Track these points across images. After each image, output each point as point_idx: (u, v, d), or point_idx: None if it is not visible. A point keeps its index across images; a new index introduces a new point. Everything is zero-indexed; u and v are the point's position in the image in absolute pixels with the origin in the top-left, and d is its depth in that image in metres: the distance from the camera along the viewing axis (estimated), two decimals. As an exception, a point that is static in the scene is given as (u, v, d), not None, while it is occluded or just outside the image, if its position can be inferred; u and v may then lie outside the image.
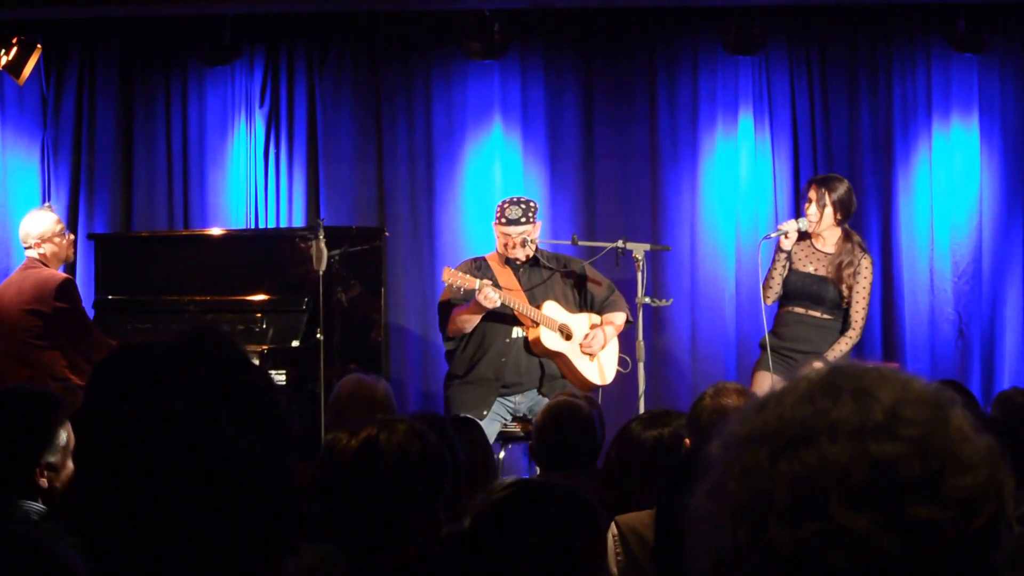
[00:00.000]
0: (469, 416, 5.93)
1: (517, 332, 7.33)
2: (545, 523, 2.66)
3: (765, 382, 7.08)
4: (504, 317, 7.26)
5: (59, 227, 7.36)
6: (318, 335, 7.67)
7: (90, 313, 7.86)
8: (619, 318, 7.57)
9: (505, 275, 7.41)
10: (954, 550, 1.19)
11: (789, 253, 7.34)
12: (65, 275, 7.37)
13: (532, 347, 7.32)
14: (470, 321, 7.26)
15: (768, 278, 7.41)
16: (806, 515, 1.21)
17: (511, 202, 7.47)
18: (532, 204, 7.48)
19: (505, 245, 7.39)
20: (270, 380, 1.62)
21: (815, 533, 1.20)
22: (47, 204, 8.06)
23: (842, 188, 7.28)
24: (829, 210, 7.23)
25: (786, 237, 7.31)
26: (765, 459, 1.25)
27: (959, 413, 1.26)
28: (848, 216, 7.31)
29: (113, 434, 1.51)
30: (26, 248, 7.28)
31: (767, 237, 7.49)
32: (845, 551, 1.20)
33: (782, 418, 1.26)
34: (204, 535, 1.49)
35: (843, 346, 7.22)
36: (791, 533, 1.21)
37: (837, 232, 7.31)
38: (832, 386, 1.27)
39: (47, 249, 7.25)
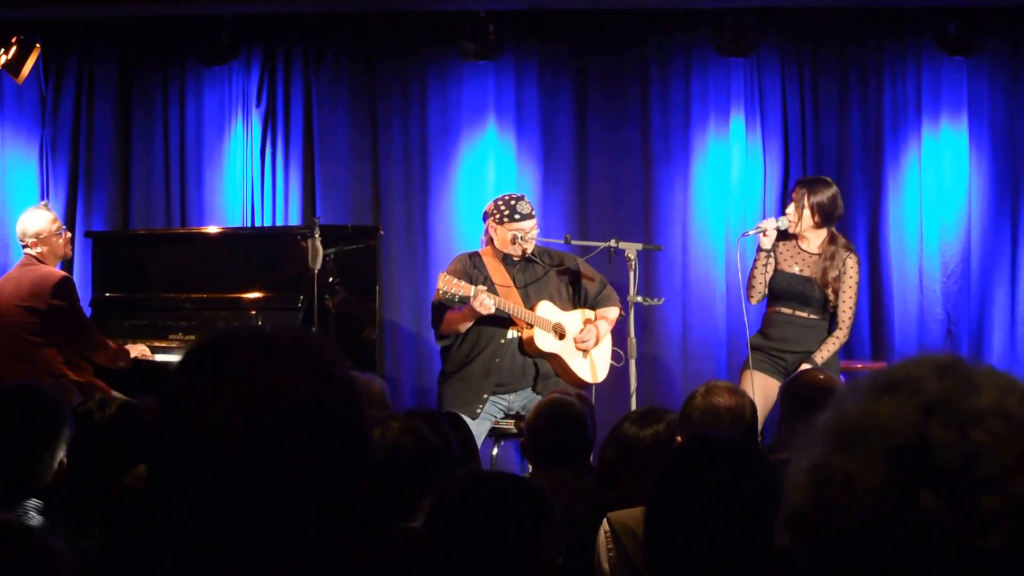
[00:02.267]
0: (456, 412, 5.96)
1: (512, 333, 7.36)
2: (493, 512, 2.76)
3: (750, 381, 7.12)
4: (499, 319, 7.28)
5: (55, 225, 7.39)
6: (322, 336, 7.70)
7: (88, 311, 7.90)
8: (612, 313, 7.60)
9: (499, 272, 7.44)
10: (953, 545, 1.22)
11: (771, 252, 7.36)
12: (63, 273, 7.39)
13: (526, 348, 7.34)
14: (464, 324, 7.30)
15: (750, 277, 7.42)
16: (843, 448, 1.28)
17: (515, 198, 7.46)
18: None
19: (515, 241, 7.39)
20: (362, 399, 1.58)
21: (840, 467, 1.27)
22: (43, 202, 8.07)
23: (825, 193, 7.26)
24: (807, 212, 7.25)
25: (764, 235, 7.32)
26: (851, 395, 1.32)
27: None
28: (829, 221, 7.29)
29: (198, 432, 1.49)
30: (23, 246, 7.31)
31: (745, 234, 7.51)
32: (834, 486, 1.26)
33: (902, 368, 1.33)
34: (272, 545, 1.49)
35: (831, 346, 7.23)
36: (829, 459, 1.28)
37: (822, 233, 7.31)
38: (956, 369, 1.31)
39: (44, 247, 7.27)
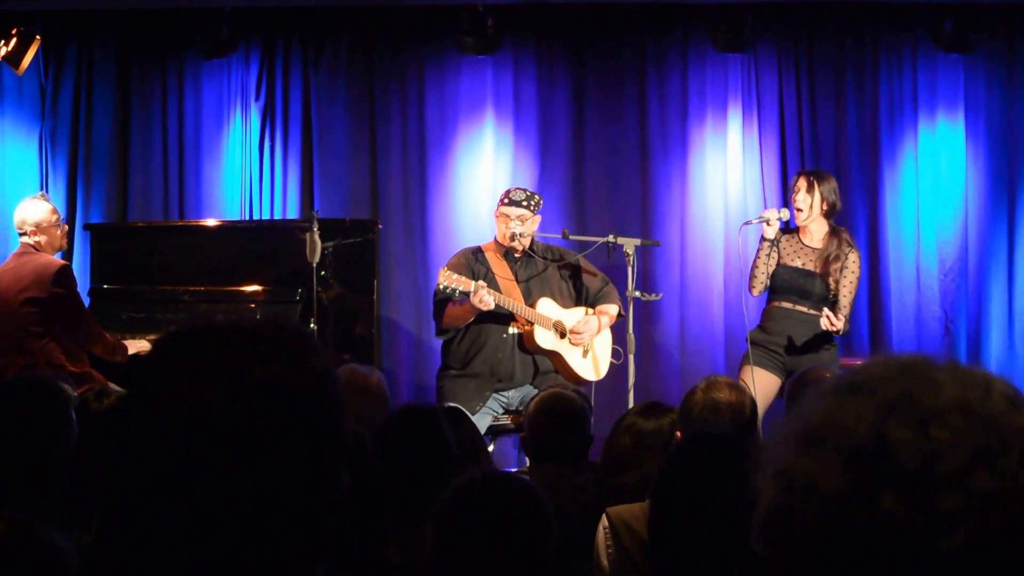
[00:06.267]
0: (458, 406, 5.96)
1: (513, 329, 7.36)
2: (496, 512, 2.78)
3: (750, 376, 7.13)
4: (500, 314, 7.29)
5: (55, 216, 7.37)
6: (311, 326, 7.71)
7: (86, 302, 7.88)
8: (611, 309, 7.60)
9: (501, 266, 7.45)
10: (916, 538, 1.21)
11: (773, 243, 7.37)
12: (62, 261, 7.35)
13: (526, 344, 7.36)
14: (465, 319, 7.31)
15: (753, 267, 7.44)
16: (805, 451, 1.27)
17: (518, 188, 7.57)
18: (537, 197, 7.53)
19: (504, 232, 7.41)
20: (337, 389, 1.54)
21: (803, 470, 1.26)
22: (41, 192, 8.06)
23: (831, 183, 7.32)
24: (818, 198, 7.25)
25: (768, 224, 7.34)
26: (816, 398, 1.32)
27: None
28: (834, 212, 7.32)
29: (162, 423, 1.45)
30: (21, 235, 7.28)
31: (748, 223, 7.54)
32: (797, 490, 1.25)
33: (864, 370, 1.33)
34: (237, 540, 1.45)
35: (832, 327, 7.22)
36: (793, 462, 1.27)
37: (824, 228, 7.34)
38: (919, 367, 1.30)
39: (43, 237, 7.25)
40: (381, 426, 3.93)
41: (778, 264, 7.37)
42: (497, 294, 7.17)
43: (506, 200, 7.44)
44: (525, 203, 7.41)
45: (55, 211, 7.42)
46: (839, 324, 7.00)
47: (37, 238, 7.23)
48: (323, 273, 8.00)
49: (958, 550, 1.20)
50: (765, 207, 8.81)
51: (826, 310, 7.05)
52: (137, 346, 7.51)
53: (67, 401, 3.73)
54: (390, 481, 3.34)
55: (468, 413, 6.99)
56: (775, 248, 7.37)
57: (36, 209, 7.32)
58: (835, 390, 1.31)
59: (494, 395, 7.36)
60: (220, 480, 1.44)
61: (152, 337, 7.74)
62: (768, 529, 1.30)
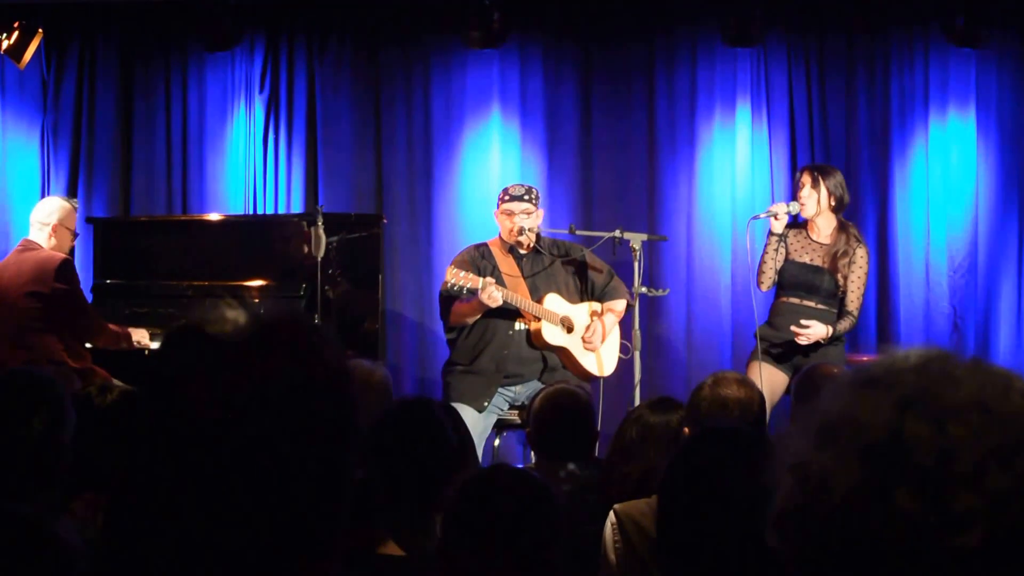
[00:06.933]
0: (452, 406, 5.93)
1: (520, 325, 7.35)
2: (506, 507, 2.76)
3: (758, 372, 7.10)
4: (507, 310, 7.27)
5: (74, 223, 7.41)
6: (316, 321, 7.68)
7: (88, 297, 7.86)
8: (619, 305, 7.59)
9: (507, 263, 7.44)
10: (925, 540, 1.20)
11: (781, 237, 7.34)
12: (64, 255, 7.34)
13: (534, 340, 7.34)
14: (472, 316, 7.29)
15: (761, 263, 7.42)
16: (821, 445, 1.25)
17: (515, 184, 7.57)
18: (535, 190, 7.52)
19: (510, 228, 7.40)
20: (350, 385, 1.52)
21: (818, 465, 1.25)
22: (74, 200, 8.03)
23: (836, 177, 7.31)
24: (824, 193, 7.24)
25: (776, 219, 7.31)
26: (835, 391, 1.30)
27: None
28: (841, 206, 7.31)
29: (169, 417, 1.43)
30: (41, 226, 7.22)
31: (755, 217, 7.51)
32: (811, 485, 1.24)
33: (883, 364, 1.30)
34: (252, 536, 1.43)
35: (839, 327, 7.19)
36: (809, 456, 1.26)
37: (832, 223, 7.32)
38: (938, 362, 1.28)
39: (57, 238, 7.24)
40: (377, 420, 3.90)
41: (786, 260, 7.34)
42: (505, 290, 7.16)
43: (507, 197, 7.43)
44: (526, 197, 7.41)
45: (75, 218, 7.44)
46: (811, 332, 7.04)
47: (53, 238, 7.22)
48: (328, 268, 7.97)
49: (973, 549, 1.19)
50: (773, 201, 8.78)
51: (795, 328, 7.05)
52: (138, 335, 7.49)
53: (59, 393, 3.70)
54: (389, 474, 3.32)
55: (474, 411, 7.01)
56: (783, 243, 7.34)
57: (67, 210, 7.35)
58: (853, 384, 1.29)
59: (501, 390, 7.33)
60: (233, 475, 1.41)
61: (155, 331, 7.73)
62: (783, 523, 1.28)
